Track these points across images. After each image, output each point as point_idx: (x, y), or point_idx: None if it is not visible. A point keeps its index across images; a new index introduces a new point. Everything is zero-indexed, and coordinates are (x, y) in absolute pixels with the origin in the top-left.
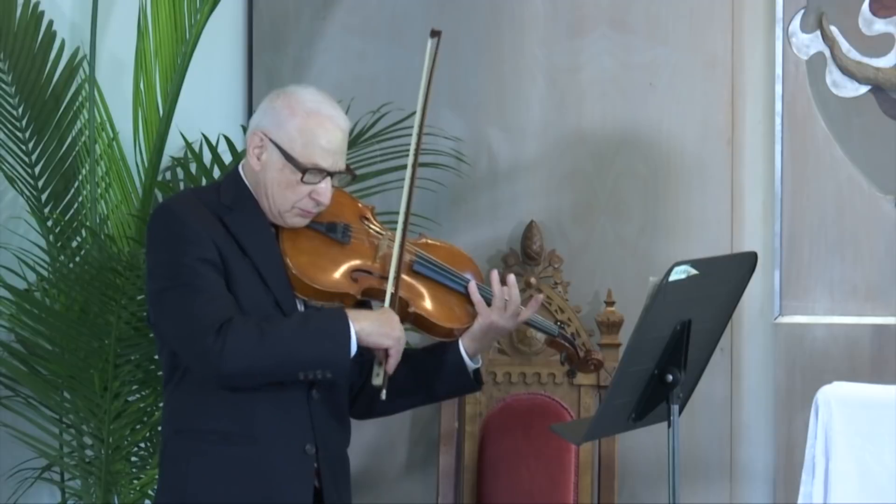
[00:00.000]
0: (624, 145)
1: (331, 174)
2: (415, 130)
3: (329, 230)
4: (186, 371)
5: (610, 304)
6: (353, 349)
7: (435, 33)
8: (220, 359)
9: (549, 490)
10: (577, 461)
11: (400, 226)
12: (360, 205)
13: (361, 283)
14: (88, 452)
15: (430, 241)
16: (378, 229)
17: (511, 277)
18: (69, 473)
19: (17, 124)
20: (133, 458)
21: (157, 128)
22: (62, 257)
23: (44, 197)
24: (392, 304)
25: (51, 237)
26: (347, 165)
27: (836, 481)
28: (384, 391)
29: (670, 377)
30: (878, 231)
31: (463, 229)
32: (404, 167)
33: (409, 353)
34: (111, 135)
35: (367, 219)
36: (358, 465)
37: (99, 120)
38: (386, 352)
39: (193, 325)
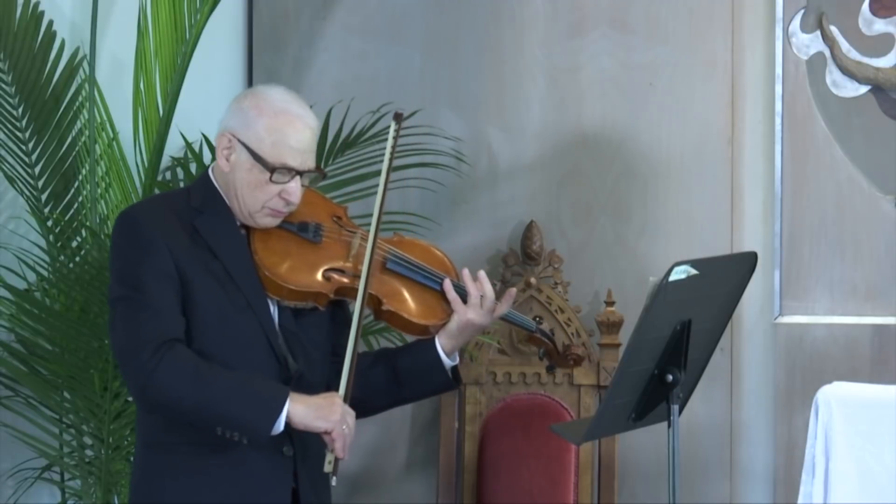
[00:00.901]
0: (624, 145)
1: (300, 173)
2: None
3: (301, 230)
4: None
5: (610, 304)
6: (279, 427)
7: (397, 117)
8: (149, 380)
9: (549, 490)
10: (577, 461)
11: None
12: (332, 204)
13: (334, 282)
14: (88, 452)
15: (404, 239)
16: (350, 228)
17: (482, 273)
18: (69, 473)
19: (17, 124)
20: (133, 458)
21: (157, 128)
22: (62, 257)
23: (44, 197)
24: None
25: (51, 237)
26: (318, 164)
27: (836, 481)
28: (334, 477)
29: (670, 377)
30: (878, 231)
31: (463, 229)
32: (404, 167)
33: (385, 353)
34: (111, 135)
35: (339, 218)
36: (358, 465)
37: (99, 120)
38: (330, 436)
39: (132, 340)
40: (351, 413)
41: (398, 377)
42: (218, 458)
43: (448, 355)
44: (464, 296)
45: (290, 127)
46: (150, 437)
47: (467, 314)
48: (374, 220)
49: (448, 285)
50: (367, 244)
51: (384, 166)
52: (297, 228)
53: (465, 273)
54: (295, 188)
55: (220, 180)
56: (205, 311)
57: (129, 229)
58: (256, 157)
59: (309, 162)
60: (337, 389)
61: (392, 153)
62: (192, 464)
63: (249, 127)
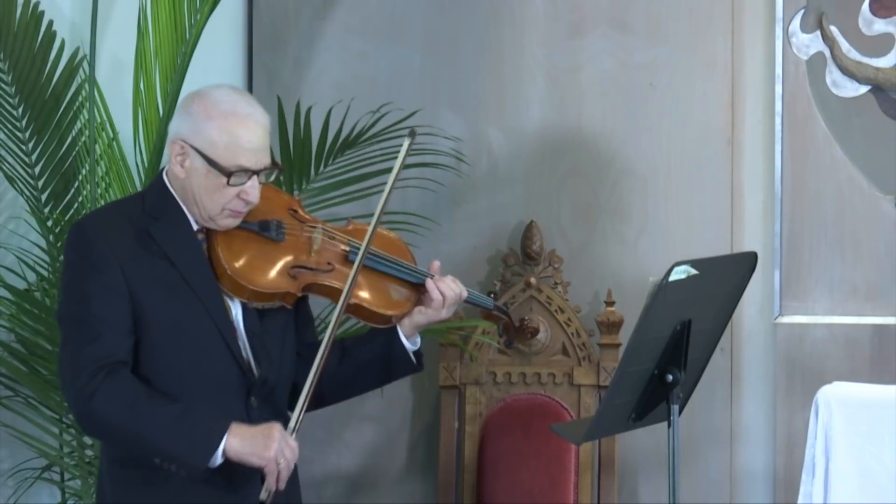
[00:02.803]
0: (624, 145)
1: (256, 172)
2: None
3: (262, 229)
4: None
5: (610, 304)
6: (216, 461)
7: (412, 134)
8: (85, 408)
9: (549, 490)
10: (577, 461)
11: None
12: (286, 197)
13: (301, 279)
14: (88, 452)
15: (357, 227)
16: (310, 222)
17: (436, 263)
18: (69, 473)
19: (17, 124)
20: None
21: (157, 128)
22: (62, 257)
23: (44, 197)
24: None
25: (51, 237)
26: (274, 160)
27: (836, 481)
28: (269, 498)
29: (670, 377)
30: (878, 231)
31: (463, 229)
32: (404, 167)
33: (346, 344)
34: (111, 135)
35: (295, 211)
36: (358, 465)
37: (99, 120)
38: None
39: (72, 363)
40: (291, 446)
41: (361, 368)
42: (180, 470)
43: (408, 339)
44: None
45: (242, 127)
46: (113, 452)
47: (441, 314)
48: (368, 234)
49: (431, 285)
50: (331, 239)
51: (390, 180)
52: (258, 228)
53: (436, 265)
54: (253, 188)
55: (175, 185)
56: (158, 325)
57: (80, 244)
58: (211, 163)
59: (264, 160)
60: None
61: (399, 169)
62: (155, 479)
63: (200, 132)
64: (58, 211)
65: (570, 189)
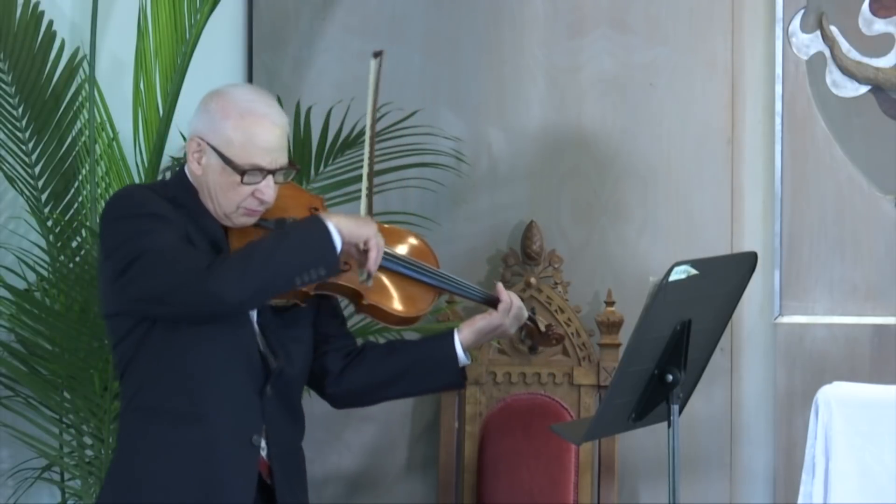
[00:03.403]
0: (624, 145)
1: (271, 172)
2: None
3: (278, 227)
4: (146, 354)
5: (610, 304)
6: (339, 244)
7: (377, 54)
8: (223, 290)
9: (549, 490)
10: (577, 461)
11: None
12: (309, 196)
13: None
14: (88, 452)
15: (384, 228)
16: None
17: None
18: (69, 473)
19: (17, 124)
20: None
21: (157, 128)
22: (62, 257)
23: (44, 197)
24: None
25: (51, 237)
26: (291, 160)
27: (836, 481)
28: (371, 280)
29: (670, 377)
30: (878, 231)
31: (463, 229)
32: (404, 167)
33: (397, 344)
34: (111, 135)
35: (317, 209)
36: (358, 465)
37: (99, 120)
38: (366, 248)
39: (181, 273)
40: (381, 237)
41: (407, 366)
42: (191, 430)
43: (464, 351)
44: (490, 299)
45: (258, 126)
46: (139, 402)
47: (505, 321)
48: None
49: (501, 288)
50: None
51: (368, 108)
52: (274, 226)
53: (499, 285)
54: (268, 187)
55: (194, 181)
56: None
57: (131, 202)
58: (226, 160)
59: (280, 160)
60: (328, 373)
61: (376, 88)
62: (168, 436)
63: (217, 130)
64: (58, 211)
65: (570, 189)
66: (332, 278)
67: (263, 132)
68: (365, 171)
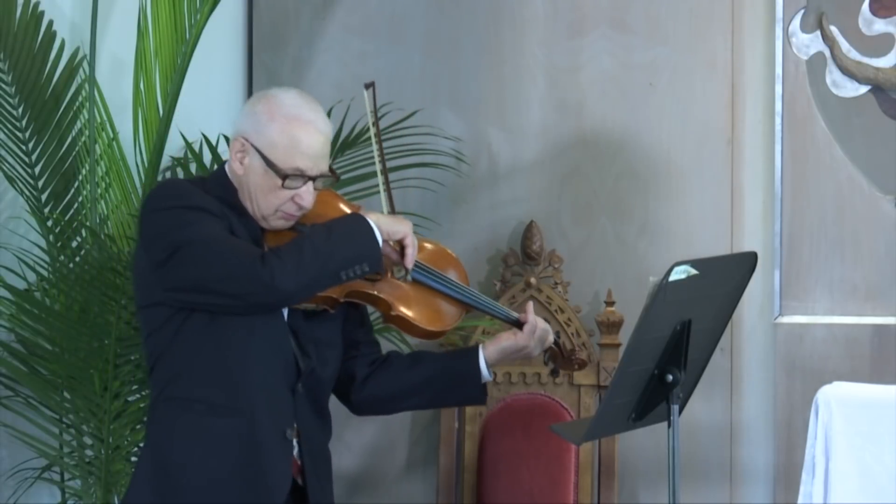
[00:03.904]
0: (624, 145)
1: (312, 178)
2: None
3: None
4: (179, 347)
5: (610, 304)
6: (380, 239)
7: (368, 86)
8: (275, 280)
9: (549, 490)
10: (577, 461)
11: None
12: (346, 204)
13: (345, 285)
14: (88, 452)
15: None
16: None
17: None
18: (69, 473)
19: (17, 124)
20: (133, 458)
21: (157, 128)
22: (62, 257)
23: (44, 197)
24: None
25: (51, 237)
26: (331, 168)
27: (836, 481)
28: (409, 275)
29: (670, 377)
30: (878, 231)
31: (463, 229)
32: (404, 167)
33: (423, 355)
34: (111, 135)
35: None
36: (358, 465)
37: (99, 120)
38: (401, 246)
39: (235, 262)
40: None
41: (431, 378)
42: (229, 421)
43: (487, 367)
44: (513, 320)
45: (303, 132)
46: (172, 392)
47: (530, 343)
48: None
49: (530, 309)
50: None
51: (371, 129)
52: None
53: (529, 305)
54: (307, 193)
55: (234, 180)
56: None
57: (176, 193)
58: (269, 163)
59: (321, 166)
60: (354, 379)
61: (375, 116)
62: (205, 424)
63: (262, 132)
64: (58, 211)
65: (570, 189)
66: (362, 287)
67: (307, 138)
68: (383, 198)
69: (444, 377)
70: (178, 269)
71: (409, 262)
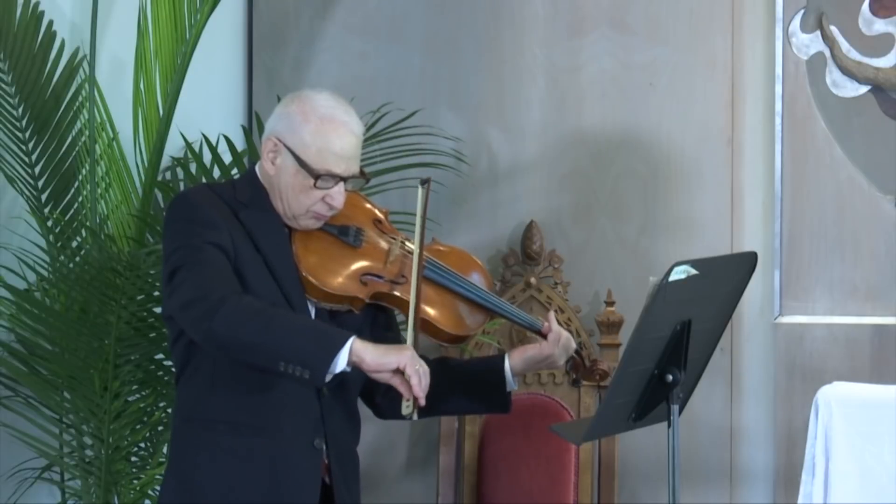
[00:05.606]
0: (624, 145)
1: (344, 179)
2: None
3: (341, 233)
4: (200, 362)
5: (610, 304)
6: (339, 364)
7: (424, 182)
8: (212, 318)
9: (549, 490)
10: (577, 461)
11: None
12: (373, 208)
13: (371, 286)
14: (88, 452)
15: (440, 246)
16: (391, 234)
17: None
18: (69, 473)
19: (17, 124)
20: (133, 458)
21: (157, 128)
22: (62, 257)
23: (44, 197)
24: (415, 340)
25: (51, 237)
26: (362, 169)
27: (836, 481)
28: (415, 414)
29: (670, 377)
30: (878, 231)
31: (463, 229)
32: (404, 167)
33: (450, 363)
34: (111, 135)
35: (380, 222)
36: None
37: (99, 120)
38: (401, 375)
39: (198, 292)
40: (422, 362)
41: (455, 386)
42: (252, 440)
43: (513, 376)
44: (534, 327)
45: (335, 133)
46: (193, 413)
47: (554, 352)
48: (416, 251)
49: (552, 317)
50: (410, 253)
51: (417, 227)
52: (337, 232)
53: (551, 315)
54: (339, 194)
55: (265, 180)
56: (252, 295)
57: (188, 207)
58: (301, 163)
59: (353, 168)
60: (378, 387)
61: (423, 216)
62: (228, 443)
63: (295, 132)
64: (58, 211)
65: (570, 189)
66: (388, 289)
67: (340, 139)
68: (412, 300)
69: (470, 385)
70: (172, 295)
71: (417, 391)
